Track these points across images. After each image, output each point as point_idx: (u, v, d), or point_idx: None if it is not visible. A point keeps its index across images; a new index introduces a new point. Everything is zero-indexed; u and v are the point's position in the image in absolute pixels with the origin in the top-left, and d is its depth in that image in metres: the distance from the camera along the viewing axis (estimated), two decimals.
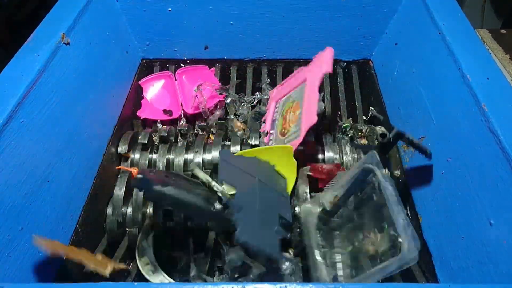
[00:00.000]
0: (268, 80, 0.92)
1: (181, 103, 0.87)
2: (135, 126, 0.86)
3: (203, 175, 0.57)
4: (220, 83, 0.90)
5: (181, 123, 0.87)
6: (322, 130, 0.81)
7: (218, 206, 0.55)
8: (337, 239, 0.59)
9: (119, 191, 0.68)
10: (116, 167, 0.75)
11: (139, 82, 0.89)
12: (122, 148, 0.76)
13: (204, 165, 0.74)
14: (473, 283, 0.49)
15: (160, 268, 0.62)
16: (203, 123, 0.85)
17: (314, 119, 0.62)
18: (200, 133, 0.85)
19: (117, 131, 0.77)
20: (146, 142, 0.77)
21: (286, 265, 0.61)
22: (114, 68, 0.79)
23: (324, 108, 0.87)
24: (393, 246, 0.49)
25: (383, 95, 0.83)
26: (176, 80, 0.90)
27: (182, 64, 0.94)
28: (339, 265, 0.56)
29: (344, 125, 0.82)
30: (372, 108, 0.88)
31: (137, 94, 0.89)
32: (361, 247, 0.54)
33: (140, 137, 0.78)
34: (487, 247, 0.48)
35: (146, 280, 0.60)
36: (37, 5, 1.47)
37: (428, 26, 0.69)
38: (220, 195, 0.55)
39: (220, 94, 0.88)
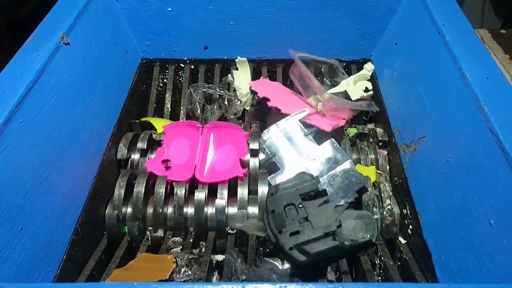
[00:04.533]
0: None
1: (195, 166, 0.72)
2: (133, 128, 0.86)
3: None
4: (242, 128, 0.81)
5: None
6: None
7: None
8: None
9: (120, 190, 0.68)
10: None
11: (163, 127, 0.78)
12: (121, 154, 0.75)
13: None
14: (473, 283, 0.49)
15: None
16: None
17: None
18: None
19: (117, 131, 0.77)
20: (145, 147, 0.77)
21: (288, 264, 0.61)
22: (114, 68, 0.79)
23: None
24: None
25: (383, 95, 0.83)
26: (201, 134, 0.77)
27: (182, 65, 0.94)
28: None
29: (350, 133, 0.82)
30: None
31: (137, 94, 0.89)
32: None
33: (139, 141, 0.78)
34: (487, 247, 0.48)
35: None
36: (37, 5, 1.47)
37: (428, 26, 0.69)
38: None
39: (219, 95, 0.88)
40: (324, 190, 0.65)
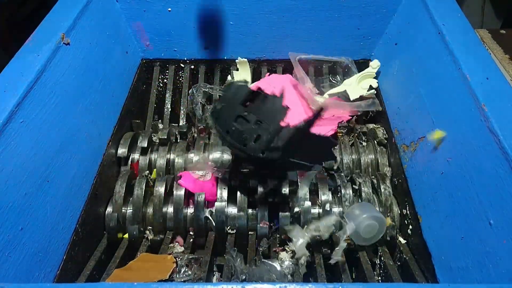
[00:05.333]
0: None
1: None
2: (134, 127, 0.86)
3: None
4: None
5: (181, 123, 0.87)
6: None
7: None
8: None
9: (120, 189, 0.68)
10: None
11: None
12: (121, 151, 0.76)
13: None
14: (473, 283, 0.49)
15: None
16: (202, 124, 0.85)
17: None
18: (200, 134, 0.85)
19: (117, 131, 0.77)
20: (146, 145, 0.77)
21: (286, 265, 0.61)
22: (114, 68, 0.79)
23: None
24: None
25: (383, 95, 0.83)
26: None
27: (182, 65, 0.94)
28: None
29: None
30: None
31: (137, 94, 0.89)
32: None
33: (139, 141, 0.78)
34: (487, 247, 0.48)
35: None
36: (37, 5, 1.47)
37: (427, 26, 0.69)
38: None
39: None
40: (262, 92, 0.60)
